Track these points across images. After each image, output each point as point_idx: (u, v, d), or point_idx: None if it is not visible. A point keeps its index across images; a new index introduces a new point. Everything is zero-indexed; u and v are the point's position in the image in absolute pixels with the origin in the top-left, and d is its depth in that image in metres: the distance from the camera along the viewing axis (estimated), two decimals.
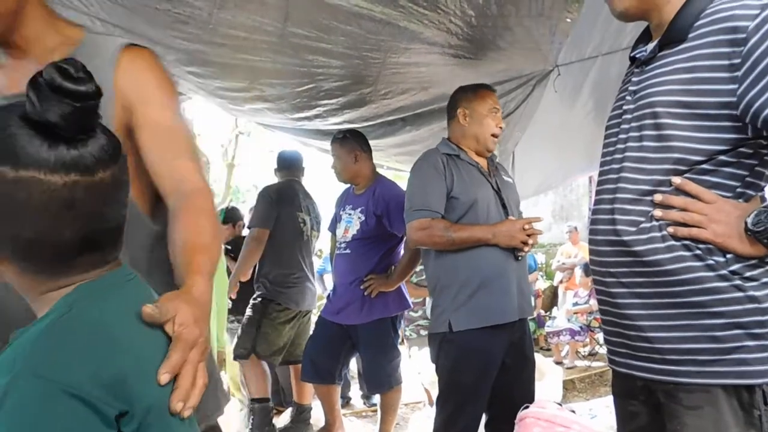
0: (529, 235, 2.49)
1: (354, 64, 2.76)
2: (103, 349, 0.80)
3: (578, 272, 7.94)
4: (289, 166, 4.27)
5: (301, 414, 4.10)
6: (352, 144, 3.49)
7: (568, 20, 2.30)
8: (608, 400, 4.56)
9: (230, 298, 4.27)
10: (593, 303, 7.22)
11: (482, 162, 2.66)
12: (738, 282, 1.25)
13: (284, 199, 4.02)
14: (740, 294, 1.24)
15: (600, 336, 7.22)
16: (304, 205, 4.11)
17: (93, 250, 0.86)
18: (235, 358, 4.01)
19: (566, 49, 2.75)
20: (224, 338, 3.93)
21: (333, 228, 3.76)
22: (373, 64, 2.78)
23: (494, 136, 2.64)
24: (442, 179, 2.48)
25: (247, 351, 3.85)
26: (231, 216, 5.14)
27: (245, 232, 5.08)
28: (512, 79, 3.17)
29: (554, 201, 11.83)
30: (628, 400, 1.49)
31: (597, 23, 2.54)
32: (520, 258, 2.57)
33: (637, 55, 1.46)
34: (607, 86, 3.17)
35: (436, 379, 2.74)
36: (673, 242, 1.29)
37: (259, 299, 3.99)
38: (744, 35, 1.19)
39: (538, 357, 5.52)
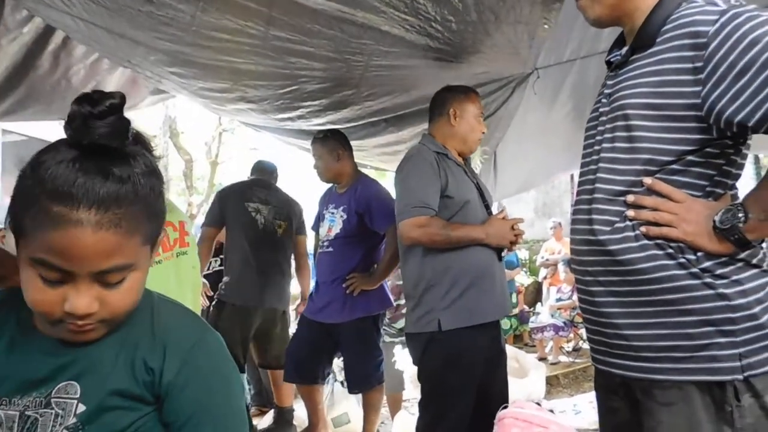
0: (516, 235, 2.55)
1: (336, 66, 2.76)
2: None
3: (561, 268, 7.98)
4: (260, 169, 4.29)
5: (283, 416, 4.09)
6: (333, 143, 3.51)
7: (546, 26, 2.34)
8: (592, 396, 4.55)
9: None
10: (576, 298, 7.24)
11: (462, 162, 2.71)
12: (708, 280, 1.28)
13: (230, 194, 4.01)
14: (710, 291, 1.27)
15: (584, 331, 7.28)
16: (259, 196, 4.00)
17: None
18: None
19: (545, 52, 2.79)
20: None
21: (316, 227, 3.75)
22: (355, 67, 2.79)
23: (479, 138, 2.72)
24: (437, 177, 2.49)
25: None
26: None
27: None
28: (492, 81, 3.20)
29: (536, 198, 11.92)
30: (609, 395, 1.52)
31: (575, 28, 2.58)
32: (503, 258, 2.64)
33: (612, 60, 1.51)
34: (585, 88, 3.22)
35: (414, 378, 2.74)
36: (645, 241, 1.33)
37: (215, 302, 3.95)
38: (705, 40, 1.24)
39: (521, 354, 5.59)
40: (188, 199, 13.65)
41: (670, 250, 1.31)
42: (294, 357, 3.60)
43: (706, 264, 1.28)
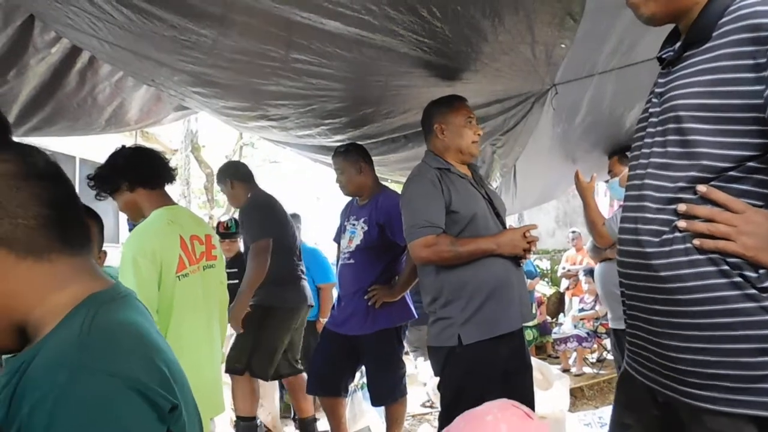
0: (529, 242, 2.52)
1: (356, 87, 2.80)
2: (149, 348, 0.88)
3: (583, 278, 7.90)
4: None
5: (306, 428, 4.11)
6: (355, 156, 3.53)
7: (563, 46, 2.34)
8: None
9: None
10: (599, 309, 7.20)
11: (468, 173, 2.69)
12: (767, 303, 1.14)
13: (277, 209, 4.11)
14: None
15: (607, 342, 7.21)
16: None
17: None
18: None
19: (563, 68, 2.79)
20: None
21: (338, 239, 3.77)
22: (375, 87, 2.82)
23: (474, 142, 2.66)
24: (440, 194, 2.49)
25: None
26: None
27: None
28: (512, 97, 3.21)
29: (557, 207, 11.85)
30: (626, 411, 1.45)
31: (593, 45, 2.59)
32: (521, 265, 2.62)
33: (664, 56, 1.38)
34: (603, 103, 3.24)
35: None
36: (697, 256, 1.20)
37: None
38: (767, 33, 1.12)
39: (545, 365, 5.54)
40: (209, 212, 13.76)
41: (725, 267, 1.18)
42: (317, 370, 3.62)
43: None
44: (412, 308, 3.60)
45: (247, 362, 3.84)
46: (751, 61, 1.14)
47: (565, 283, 9.14)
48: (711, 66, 1.20)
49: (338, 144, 3.77)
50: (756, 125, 1.15)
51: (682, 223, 1.22)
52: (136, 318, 0.92)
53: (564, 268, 9.17)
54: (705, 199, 1.20)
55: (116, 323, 0.88)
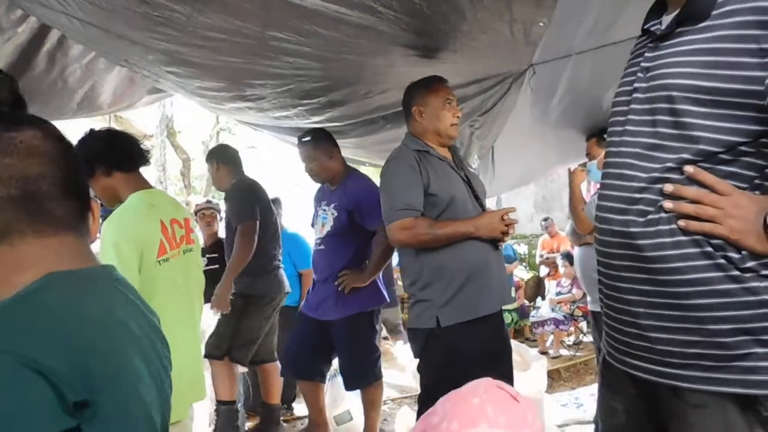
0: (507, 225, 2.52)
1: (334, 66, 2.76)
2: (72, 329, 0.79)
3: (560, 262, 8.00)
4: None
5: (271, 414, 4.11)
6: (325, 142, 3.52)
7: (541, 24, 2.34)
8: (594, 389, 4.59)
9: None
10: (576, 292, 7.29)
11: (448, 155, 2.68)
12: (751, 284, 1.14)
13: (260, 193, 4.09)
14: (751, 298, 1.14)
15: (584, 325, 7.33)
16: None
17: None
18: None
19: (541, 49, 2.79)
20: None
21: (314, 223, 3.76)
22: (352, 66, 2.79)
23: (453, 125, 2.64)
24: (419, 177, 2.48)
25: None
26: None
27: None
28: (489, 77, 3.20)
29: (535, 192, 11.91)
30: (611, 394, 1.44)
31: (570, 25, 2.58)
32: (499, 248, 2.62)
33: (652, 29, 1.32)
34: (581, 83, 3.23)
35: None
36: (681, 237, 1.19)
37: None
38: None
39: (523, 347, 5.60)
40: (186, 198, 13.60)
41: (709, 249, 1.17)
42: (291, 353, 3.63)
43: (751, 263, 1.15)
44: (384, 292, 3.61)
45: (227, 349, 3.86)
46: (754, 45, 1.10)
47: (544, 270, 9.22)
48: (710, 47, 1.15)
49: (316, 125, 3.75)
50: (753, 112, 1.12)
51: (668, 204, 1.20)
52: (85, 303, 0.85)
53: (542, 255, 9.25)
54: (691, 180, 1.18)
55: (45, 303, 0.81)
